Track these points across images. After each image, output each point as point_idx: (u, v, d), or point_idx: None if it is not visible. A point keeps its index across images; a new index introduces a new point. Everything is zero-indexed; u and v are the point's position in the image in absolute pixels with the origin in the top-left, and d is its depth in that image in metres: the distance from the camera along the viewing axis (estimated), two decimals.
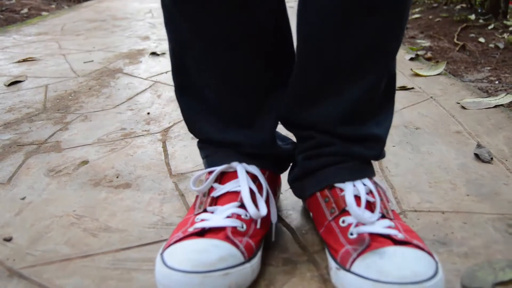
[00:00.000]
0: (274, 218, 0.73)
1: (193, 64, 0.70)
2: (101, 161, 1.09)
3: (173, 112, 1.41)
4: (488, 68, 1.94)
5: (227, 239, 0.63)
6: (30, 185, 0.99)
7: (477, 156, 1.03)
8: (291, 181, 0.81)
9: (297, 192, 0.81)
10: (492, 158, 1.02)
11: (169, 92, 1.62)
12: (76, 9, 4.16)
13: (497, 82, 1.76)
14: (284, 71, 0.73)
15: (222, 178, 0.73)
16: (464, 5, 3.41)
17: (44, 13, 3.93)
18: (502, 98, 1.41)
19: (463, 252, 0.73)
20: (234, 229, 0.66)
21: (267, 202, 0.73)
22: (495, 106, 1.34)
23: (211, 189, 0.73)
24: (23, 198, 0.94)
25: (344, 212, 0.68)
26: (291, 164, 0.82)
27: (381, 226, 0.64)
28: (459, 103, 1.38)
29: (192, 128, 0.78)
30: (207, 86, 0.72)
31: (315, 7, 0.60)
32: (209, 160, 0.77)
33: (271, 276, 0.68)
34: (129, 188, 0.96)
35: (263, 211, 0.68)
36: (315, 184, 0.74)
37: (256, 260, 0.66)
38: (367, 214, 0.66)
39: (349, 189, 0.68)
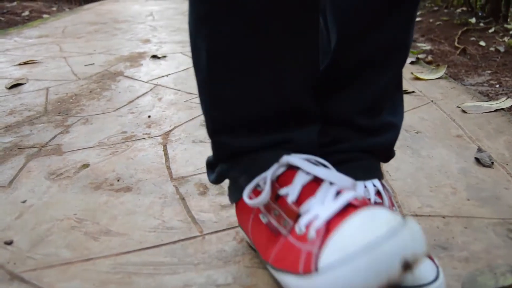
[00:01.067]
0: None
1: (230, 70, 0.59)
2: (101, 164, 1.09)
3: (173, 115, 1.41)
4: (489, 71, 1.94)
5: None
6: (31, 188, 0.99)
7: (477, 160, 1.03)
8: None
9: None
10: (492, 163, 1.02)
11: (170, 95, 1.62)
12: (77, 12, 4.17)
13: (497, 85, 1.76)
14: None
15: (278, 183, 0.61)
16: (464, 8, 3.41)
17: (45, 15, 3.94)
18: (503, 102, 1.41)
19: (464, 257, 0.73)
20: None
21: None
22: (496, 110, 1.34)
23: (281, 198, 0.59)
24: (24, 202, 0.94)
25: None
26: None
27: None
28: (459, 107, 1.38)
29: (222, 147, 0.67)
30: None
31: (347, 7, 0.64)
32: (251, 171, 0.64)
33: (270, 281, 0.68)
34: (129, 191, 0.96)
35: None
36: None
37: None
38: None
39: (359, 190, 0.68)
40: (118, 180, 1.01)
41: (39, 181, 1.02)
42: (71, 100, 1.61)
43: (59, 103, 1.57)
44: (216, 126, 0.64)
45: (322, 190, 0.57)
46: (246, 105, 0.61)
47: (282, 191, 0.59)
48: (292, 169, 0.60)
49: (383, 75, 0.69)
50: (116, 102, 1.56)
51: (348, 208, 0.53)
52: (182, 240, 0.79)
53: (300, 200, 0.57)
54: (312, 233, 0.52)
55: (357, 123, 0.70)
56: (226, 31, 0.56)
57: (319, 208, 0.55)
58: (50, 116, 1.44)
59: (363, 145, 0.71)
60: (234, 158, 0.66)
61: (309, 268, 0.50)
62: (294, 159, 0.60)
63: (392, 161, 1.04)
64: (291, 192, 0.58)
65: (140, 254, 0.76)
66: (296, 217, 0.56)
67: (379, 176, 0.72)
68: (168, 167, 1.06)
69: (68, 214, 0.89)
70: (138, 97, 1.60)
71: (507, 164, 1.01)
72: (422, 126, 1.24)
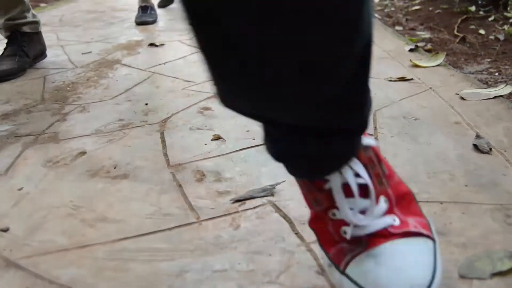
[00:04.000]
0: None
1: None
2: (98, 152, 1.09)
3: (171, 103, 1.40)
4: (488, 60, 1.94)
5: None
6: (27, 176, 0.99)
7: (476, 146, 1.03)
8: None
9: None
10: (491, 149, 1.02)
11: (168, 82, 1.61)
12: (75, 0, 4.14)
13: (497, 73, 1.75)
14: None
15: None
16: None
17: (42, 4, 3.91)
18: (502, 89, 1.40)
19: (462, 242, 0.72)
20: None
21: None
22: (495, 97, 1.33)
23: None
24: (20, 189, 0.93)
25: (332, 206, 0.59)
26: None
27: (377, 225, 0.59)
28: (458, 94, 1.38)
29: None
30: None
31: None
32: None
33: (267, 267, 0.68)
34: (126, 179, 0.96)
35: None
36: (292, 171, 0.60)
37: None
38: (359, 218, 0.58)
39: (336, 184, 0.58)
40: (114, 168, 1.01)
41: (36, 168, 1.02)
42: (68, 88, 1.60)
43: (56, 91, 1.56)
44: None
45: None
46: None
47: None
48: None
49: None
50: (113, 90, 1.55)
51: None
52: (179, 226, 0.79)
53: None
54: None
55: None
56: None
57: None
58: (47, 104, 1.43)
59: (327, 146, 0.56)
60: None
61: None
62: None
63: (390, 148, 1.04)
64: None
65: (136, 241, 0.76)
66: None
67: (354, 153, 0.58)
68: (165, 154, 1.06)
69: (65, 201, 0.88)
70: (135, 85, 1.59)
71: (505, 151, 1.01)
72: (421, 113, 1.24)
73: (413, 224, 0.60)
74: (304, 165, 0.58)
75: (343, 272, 0.58)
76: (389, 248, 0.57)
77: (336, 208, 0.59)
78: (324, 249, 0.62)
